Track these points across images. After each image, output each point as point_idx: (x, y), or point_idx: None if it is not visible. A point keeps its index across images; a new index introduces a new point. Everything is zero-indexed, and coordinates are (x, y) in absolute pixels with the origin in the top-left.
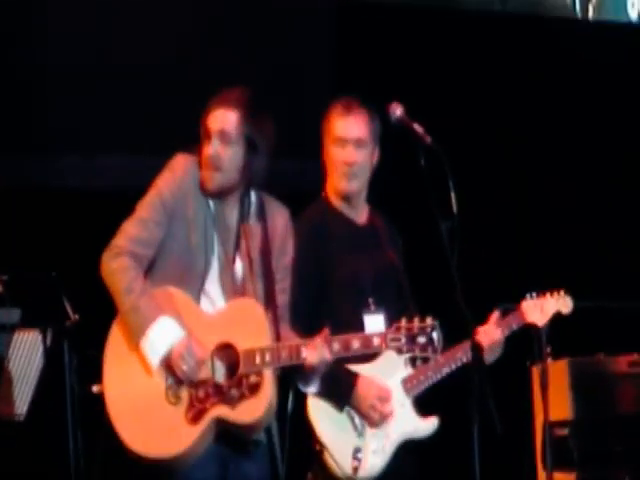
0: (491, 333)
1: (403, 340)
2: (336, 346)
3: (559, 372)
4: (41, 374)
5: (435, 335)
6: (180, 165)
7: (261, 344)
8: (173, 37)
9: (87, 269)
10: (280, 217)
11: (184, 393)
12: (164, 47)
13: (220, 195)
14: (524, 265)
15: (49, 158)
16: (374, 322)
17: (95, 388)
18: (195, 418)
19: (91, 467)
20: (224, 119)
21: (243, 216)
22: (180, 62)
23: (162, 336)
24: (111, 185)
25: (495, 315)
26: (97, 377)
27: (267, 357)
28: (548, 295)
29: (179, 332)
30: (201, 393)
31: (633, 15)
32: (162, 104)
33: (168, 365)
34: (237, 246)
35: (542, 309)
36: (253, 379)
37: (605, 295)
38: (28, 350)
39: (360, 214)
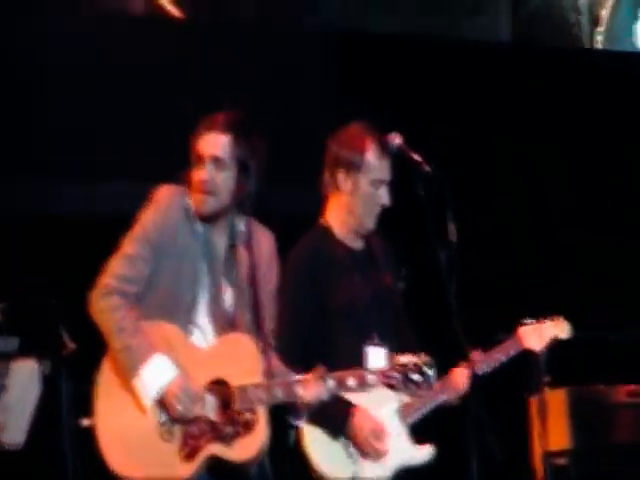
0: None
1: (398, 378)
2: (331, 383)
3: (558, 401)
4: (38, 403)
5: (430, 372)
6: (164, 197)
7: (254, 380)
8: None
9: (86, 296)
10: (265, 241)
11: (177, 430)
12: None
13: (211, 219)
14: (523, 295)
15: (49, 184)
16: (376, 354)
17: (85, 421)
18: (189, 455)
19: None
20: (216, 143)
21: (232, 245)
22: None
23: (155, 376)
24: (111, 211)
25: (474, 355)
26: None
27: (261, 394)
28: (546, 320)
29: (172, 371)
30: (195, 430)
31: None
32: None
33: (162, 403)
34: (226, 275)
35: (540, 334)
36: (247, 416)
37: (604, 326)
38: (25, 379)
39: (359, 241)
